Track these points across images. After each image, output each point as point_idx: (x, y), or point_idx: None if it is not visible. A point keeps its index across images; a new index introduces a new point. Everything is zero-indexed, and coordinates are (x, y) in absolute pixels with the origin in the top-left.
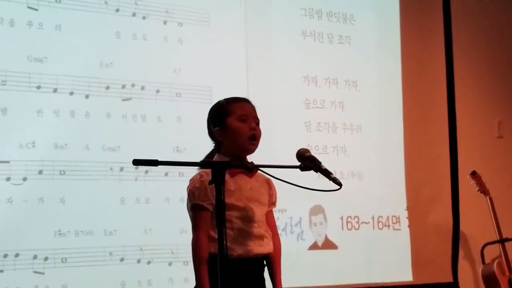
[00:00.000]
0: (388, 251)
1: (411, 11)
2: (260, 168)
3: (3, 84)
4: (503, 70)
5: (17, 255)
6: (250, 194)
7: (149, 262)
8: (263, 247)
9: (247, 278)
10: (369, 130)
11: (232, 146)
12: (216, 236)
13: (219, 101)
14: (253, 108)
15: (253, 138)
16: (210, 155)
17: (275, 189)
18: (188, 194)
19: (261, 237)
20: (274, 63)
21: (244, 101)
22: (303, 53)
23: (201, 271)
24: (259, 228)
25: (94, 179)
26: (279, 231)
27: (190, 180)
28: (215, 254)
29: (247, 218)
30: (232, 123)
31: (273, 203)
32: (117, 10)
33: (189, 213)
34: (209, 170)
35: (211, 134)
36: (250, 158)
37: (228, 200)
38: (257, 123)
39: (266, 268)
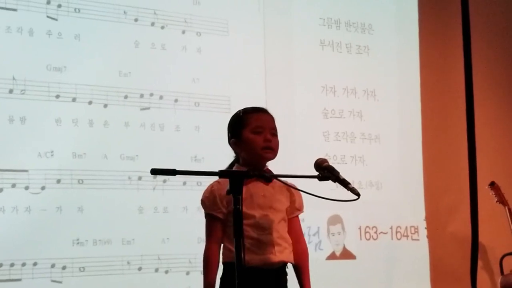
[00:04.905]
0: (407, 261)
1: (430, 21)
2: (278, 178)
3: (22, 93)
4: None
5: (35, 263)
6: (263, 201)
7: (166, 272)
8: (274, 255)
9: None
10: (388, 140)
11: (248, 157)
12: (229, 245)
13: (237, 112)
14: (270, 119)
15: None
16: (231, 166)
17: (298, 194)
18: (201, 204)
19: (272, 245)
20: (293, 72)
21: (261, 112)
22: (321, 62)
23: (207, 274)
24: (270, 235)
25: (112, 188)
26: None
27: None
28: (228, 262)
29: (258, 226)
30: (247, 136)
31: (297, 209)
32: (136, 20)
33: None
34: (222, 180)
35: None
36: (268, 166)
37: None
38: (274, 134)
39: (286, 278)
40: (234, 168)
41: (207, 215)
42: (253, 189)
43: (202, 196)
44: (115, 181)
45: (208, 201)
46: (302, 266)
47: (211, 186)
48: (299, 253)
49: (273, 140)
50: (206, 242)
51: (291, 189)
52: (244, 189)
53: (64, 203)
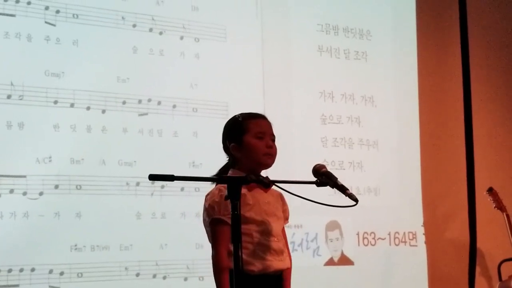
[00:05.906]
0: (405, 267)
1: (428, 26)
2: (276, 184)
3: (20, 99)
4: None
5: (33, 269)
6: (268, 208)
7: (164, 277)
8: (283, 262)
9: None
10: (386, 145)
11: (249, 163)
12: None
13: (235, 117)
14: (269, 125)
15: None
16: (224, 170)
17: (287, 205)
18: (207, 209)
19: (280, 252)
20: (291, 78)
21: (261, 118)
22: (319, 68)
23: (222, 282)
24: (278, 242)
25: (110, 194)
26: (295, 247)
27: (208, 194)
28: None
29: (266, 232)
30: (249, 141)
31: (286, 219)
32: (134, 26)
33: (206, 228)
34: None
35: (226, 149)
36: (266, 172)
37: (248, 214)
38: (273, 140)
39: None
40: (229, 173)
41: (216, 220)
42: (258, 196)
43: (210, 201)
44: (113, 187)
45: (218, 206)
46: (287, 276)
47: (219, 190)
48: None
49: (273, 146)
50: (215, 249)
51: (283, 198)
52: (250, 195)
53: (62, 208)
